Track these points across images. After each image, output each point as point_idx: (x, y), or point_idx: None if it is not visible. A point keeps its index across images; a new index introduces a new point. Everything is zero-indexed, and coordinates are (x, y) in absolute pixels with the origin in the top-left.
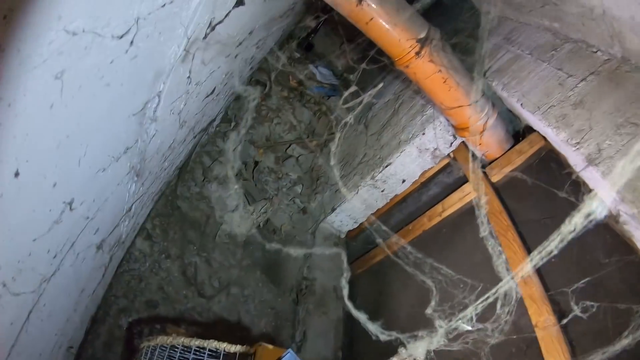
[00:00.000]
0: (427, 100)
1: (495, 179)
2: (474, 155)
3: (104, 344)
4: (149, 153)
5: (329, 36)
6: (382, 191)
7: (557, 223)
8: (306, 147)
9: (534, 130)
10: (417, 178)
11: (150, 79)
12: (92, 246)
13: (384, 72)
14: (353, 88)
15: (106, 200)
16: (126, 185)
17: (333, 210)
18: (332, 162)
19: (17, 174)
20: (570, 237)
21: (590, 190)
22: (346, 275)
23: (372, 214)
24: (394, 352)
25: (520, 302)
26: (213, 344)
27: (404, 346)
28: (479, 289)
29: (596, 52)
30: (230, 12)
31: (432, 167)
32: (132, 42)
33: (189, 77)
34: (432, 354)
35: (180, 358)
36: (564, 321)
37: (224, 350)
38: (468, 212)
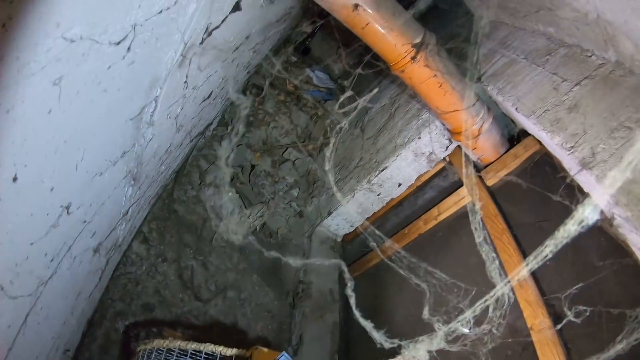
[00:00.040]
0: (422, 104)
1: (490, 182)
2: (468, 159)
3: (100, 347)
4: (146, 157)
5: (325, 40)
6: (379, 195)
7: (552, 226)
8: (302, 151)
9: (529, 134)
10: (413, 182)
11: (147, 84)
12: (89, 249)
13: (380, 77)
14: (349, 93)
15: (103, 204)
16: (123, 189)
17: (329, 214)
18: (327, 167)
19: (15, 179)
20: (564, 242)
21: (584, 194)
22: (350, 284)
23: (367, 218)
24: (390, 355)
25: (516, 305)
26: (209, 347)
27: (405, 349)
28: (473, 293)
29: (590, 56)
30: (226, 17)
31: (428, 171)
32: (129, 48)
33: (185, 81)
34: (434, 352)
35: None
36: (559, 326)
37: (220, 354)
38: (464, 216)
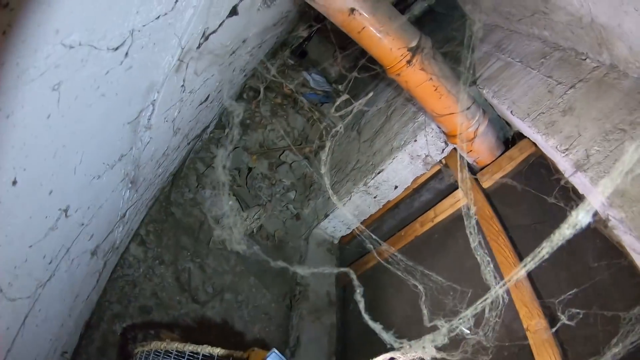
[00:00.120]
0: (418, 107)
1: (486, 185)
2: (464, 162)
3: (97, 350)
4: (143, 160)
5: (322, 43)
6: (375, 197)
7: (547, 228)
8: (299, 154)
9: (524, 137)
10: (409, 184)
11: (145, 88)
12: (86, 252)
13: (376, 80)
14: (345, 96)
15: (101, 206)
16: (120, 192)
17: (326, 216)
18: (323, 170)
19: (14, 182)
20: (559, 244)
21: (579, 196)
22: (360, 290)
23: (364, 220)
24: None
25: (513, 307)
26: (207, 349)
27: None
28: (469, 295)
29: (585, 59)
30: (223, 21)
31: (424, 174)
32: (127, 54)
33: (182, 85)
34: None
35: None
36: (553, 329)
37: (217, 355)
38: (460, 218)
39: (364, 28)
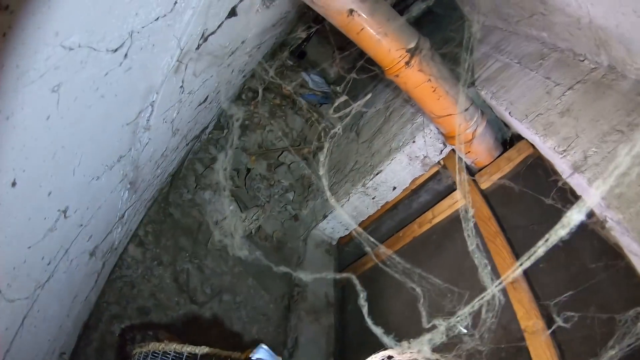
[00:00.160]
0: (417, 108)
1: (484, 186)
2: (462, 163)
3: (96, 351)
4: (142, 161)
5: (321, 44)
6: (374, 198)
7: (544, 229)
8: (298, 155)
9: (523, 138)
10: (407, 185)
11: (144, 89)
12: (85, 253)
13: (375, 81)
14: (343, 98)
15: (99, 207)
16: (119, 193)
17: (324, 217)
18: (321, 172)
19: (14, 184)
20: (554, 243)
21: (576, 197)
22: (363, 295)
23: (362, 221)
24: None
25: (510, 308)
26: (204, 350)
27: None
28: (467, 296)
29: (583, 60)
30: (222, 22)
31: (422, 175)
32: (126, 55)
33: (181, 86)
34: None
35: None
36: (548, 332)
37: (216, 356)
38: (458, 219)
39: (362, 29)
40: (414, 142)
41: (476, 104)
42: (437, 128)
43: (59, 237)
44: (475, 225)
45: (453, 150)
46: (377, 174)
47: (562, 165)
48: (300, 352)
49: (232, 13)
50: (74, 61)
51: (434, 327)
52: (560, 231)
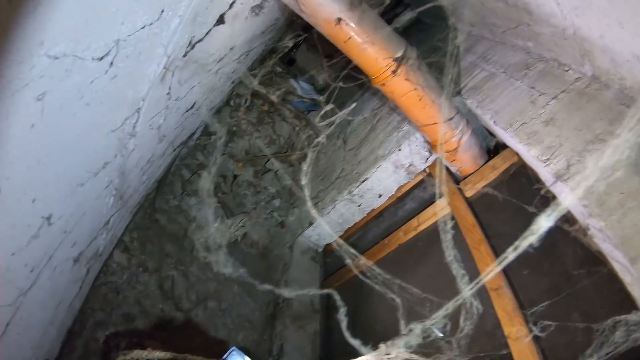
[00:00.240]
0: (403, 117)
1: (469, 194)
2: (447, 171)
3: (80, 358)
4: (128, 167)
5: (310, 51)
6: (359, 206)
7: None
8: (285, 161)
9: (508, 147)
10: (393, 193)
11: (130, 96)
12: (69, 259)
13: (363, 89)
14: (329, 106)
15: (84, 214)
16: (104, 199)
17: (311, 224)
18: (304, 182)
19: None
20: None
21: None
22: (343, 310)
23: (348, 228)
24: None
25: (495, 314)
26: (187, 358)
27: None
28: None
29: (568, 70)
30: (210, 30)
31: (408, 182)
32: (111, 63)
33: (168, 93)
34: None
35: None
36: (527, 339)
37: None
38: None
39: (350, 38)
40: (400, 150)
41: (462, 112)
42: (422, 136)
43: (43, 243)
44: (460, 233)
45: (439, 158)
46: (363, 182)
47: (545, 173)
48: (286, 359)
49: (220, 21)
50: (59, 70)
51: (414, 327)
52: (530, 237)
